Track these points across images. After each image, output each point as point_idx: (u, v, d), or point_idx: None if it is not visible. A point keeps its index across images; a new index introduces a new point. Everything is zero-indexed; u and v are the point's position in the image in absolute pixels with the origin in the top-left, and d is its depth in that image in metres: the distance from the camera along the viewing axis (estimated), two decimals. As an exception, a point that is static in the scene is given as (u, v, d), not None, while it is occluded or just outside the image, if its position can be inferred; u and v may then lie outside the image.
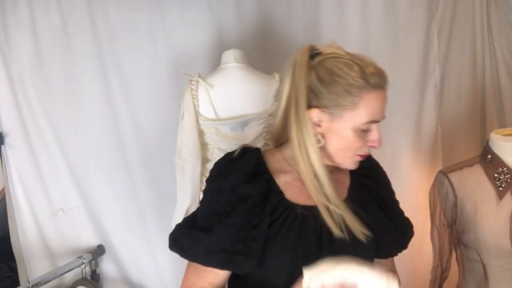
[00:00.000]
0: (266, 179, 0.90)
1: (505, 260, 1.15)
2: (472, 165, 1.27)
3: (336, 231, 0.86)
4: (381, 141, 0.89)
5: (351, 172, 0.98)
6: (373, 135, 0.88)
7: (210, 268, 0.87)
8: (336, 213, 0.88)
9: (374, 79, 0.85)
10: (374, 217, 0.95)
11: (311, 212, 0.89)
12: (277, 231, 0.86)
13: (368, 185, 0.99)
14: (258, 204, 0.86)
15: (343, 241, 0.87)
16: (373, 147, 0.90)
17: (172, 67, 1.87)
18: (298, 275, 0.80)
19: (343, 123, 0.86)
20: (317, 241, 0.88)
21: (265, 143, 1.54)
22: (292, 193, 0.91)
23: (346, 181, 0.99)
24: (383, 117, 0.89)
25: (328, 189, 0.88)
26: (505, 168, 1.17)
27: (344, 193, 0.96)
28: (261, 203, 0.86)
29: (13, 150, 1.98)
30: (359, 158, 0.91)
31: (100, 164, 1.95)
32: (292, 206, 0.89)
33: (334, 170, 0.95)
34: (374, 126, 0.88)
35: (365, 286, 0.74)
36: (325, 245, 0.87)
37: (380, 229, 0.95)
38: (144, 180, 1.95)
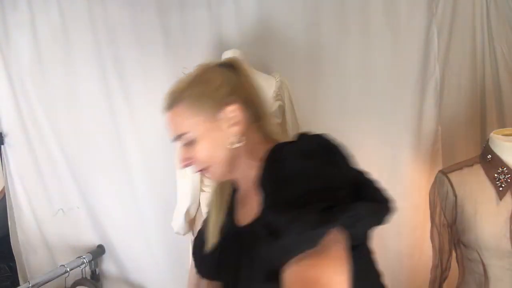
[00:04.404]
0: None
1: (505, 260, 1.15)
2: (472, 165, 1.26)
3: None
4: (182, 162, 0.88)
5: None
6: None
7: None
8: None
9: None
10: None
11: None
12: None
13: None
14: None
15: None
16: None
17: (172, 67, 1.87)
18: None
19: None
20: None
21: None
22: None
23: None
24: (172, 137, 0.88)
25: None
26: (505, 168, 1.17)
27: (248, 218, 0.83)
28: None
29: (13, 150, 1.98)
30: (202, 174, 0.91)
31: (100, 164, 1.95)
32: None
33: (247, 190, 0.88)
34: None
35: None
36: None
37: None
38: (144, 180, 1.95)
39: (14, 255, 2.04)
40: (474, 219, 1.19)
